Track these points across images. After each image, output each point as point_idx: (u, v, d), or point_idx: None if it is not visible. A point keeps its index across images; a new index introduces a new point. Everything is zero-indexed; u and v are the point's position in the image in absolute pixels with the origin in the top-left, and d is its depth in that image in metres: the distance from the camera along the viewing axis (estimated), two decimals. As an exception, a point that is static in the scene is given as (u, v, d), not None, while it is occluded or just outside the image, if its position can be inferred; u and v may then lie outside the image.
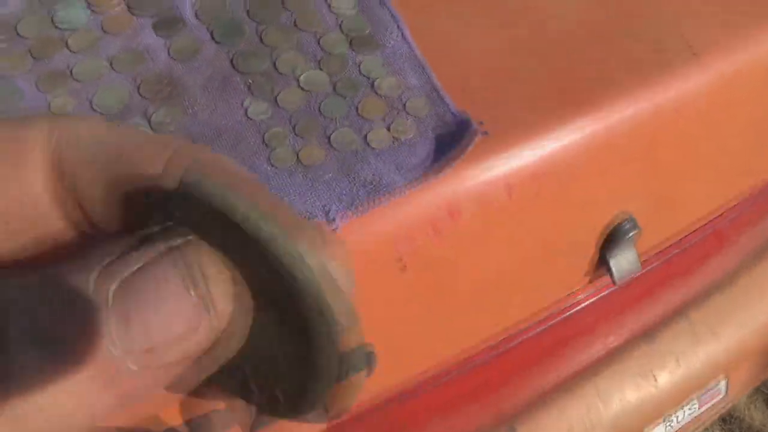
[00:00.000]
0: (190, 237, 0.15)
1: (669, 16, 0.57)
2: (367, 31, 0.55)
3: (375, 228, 0.45)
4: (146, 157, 0.16)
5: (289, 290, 0.15)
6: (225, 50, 0.53)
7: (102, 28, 0.55)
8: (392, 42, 0.54)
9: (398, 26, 0.55)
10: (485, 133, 0.46)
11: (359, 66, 0.53)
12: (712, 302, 0.78)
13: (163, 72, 0.52)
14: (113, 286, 0.13)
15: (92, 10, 0.56)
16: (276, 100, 0.50)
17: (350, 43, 0.54)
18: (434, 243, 0.47)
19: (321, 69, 0.52)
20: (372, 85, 0.51)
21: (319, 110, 0.50)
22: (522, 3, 0.57)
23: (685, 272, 0.77)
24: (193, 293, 0.14)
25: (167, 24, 0.55)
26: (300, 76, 0.52)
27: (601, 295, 0.68)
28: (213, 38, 0.54)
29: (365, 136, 0.48)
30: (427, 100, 0.50)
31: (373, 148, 0.47)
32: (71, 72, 0.52)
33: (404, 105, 0.50)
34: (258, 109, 0.49)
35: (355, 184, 0.45)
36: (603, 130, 0.53)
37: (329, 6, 0.57)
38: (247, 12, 0.56)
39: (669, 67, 0.55)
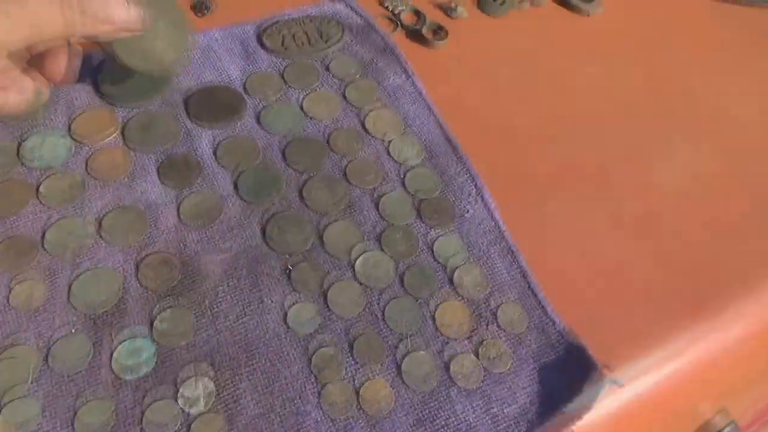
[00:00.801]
0: None
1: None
2: (439, 192, 0.43)
3: None
4: None
5: None
6: (254, 212, 0.40)
7: (87, 169, 0.41)
8: (471, 210, 0.42)
9: (477, 187, 0.43)
10: (618, 383, 0.35)
11: (432, 246, 0.40)
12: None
13: (171, 246, 0.38)
14: None
15: (75, 141, 0.42)
16: (325, 299, 0.37)
17: (418, 209, 0.42)
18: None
19: (383, 249, 0.40)
20: (451, 280, 0.39)
21: (384, 318, 0.37)
22: (634, 191, 0.45)
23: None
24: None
25: (178, 168, 0.42)
26: (356, 260, 0.39)
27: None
28: (238, 192, 0.41)
29: (447, 366, 0.36)
30: (522, 304, 0.38)
31: (459, 387, 0.35)
32: (43, 239, 0.38)
33: (495, 314, 0.38)
34: (301, 313, 0.37)
35: (439, 449, 0.33)
36: (727, 337, 0.42)
37: (388, 150, 0.45)
38: (283, 153, 0.43)
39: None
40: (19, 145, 0.41)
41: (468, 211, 0.42)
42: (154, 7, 0.35)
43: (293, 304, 0.37)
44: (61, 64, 0.35)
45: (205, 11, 0.51)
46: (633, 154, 0.47)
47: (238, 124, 0.44)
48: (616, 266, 0.41)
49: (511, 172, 0.45)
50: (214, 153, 0.43)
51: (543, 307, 0.38)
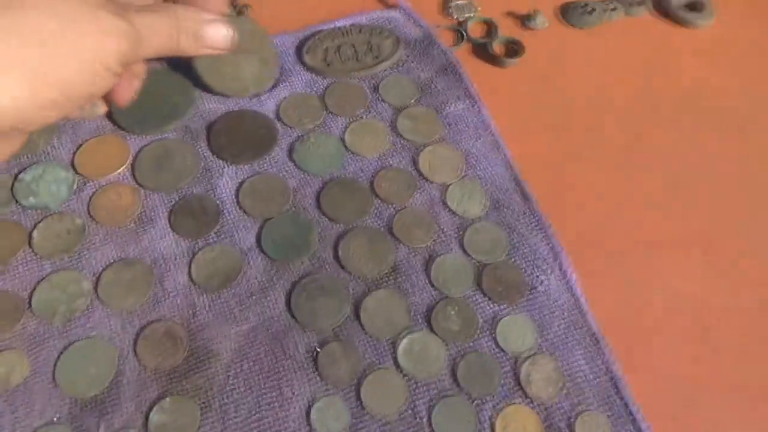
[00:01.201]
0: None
1: None
2: (505, 255, 0.35)
3: None
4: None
5: None
6: (279, 272, 0.33)
7: (89, 211, 0.35)
8: (545, 281, 0.34)
9: (553, 251, 0.35)
10: None
11: (495, 327, 0.32)
12: None
13: (178, 312, 0.32)
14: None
15: (79, 175, 0.36)
16: (358, 393, 0.30)
17: (479, 276, 0.34)
18: None
19: (432, 329, 0.32)
20: (517, 375, 0.31)
21: (430, 422, 0.30)
22: (760, 272, 0.36)
23: None
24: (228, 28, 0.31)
25: (193, 212, 0.35)
26: (399, 342, 0.32)
27: None
28: (261, 246, 0.34)
29: (509, 496, 0.28)
30: (608, 414, 0.30)
31: None
32: (31, 297, 0.32)
33: (571, 425, 0.30)
34: (328, 410, 0.30)
35: None
36: None
37: (444, 198, 0.37)
38: (317, 198, 0.36)
39: None
40: (15, 178, 0.36)
41: (541, 282, 0.34)
42: (244, 35, 0.35)
43: (319, 397, 0.30)
44: (130, 85, 0.31)
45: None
46: (761, 220, 0.38)
47: (267, 158, 0.38)
48: (730, 368, 0.33)
49: (597, 232, 0.36)
50: (236, 195, 0.36)
51: (635, 420, 0.30)
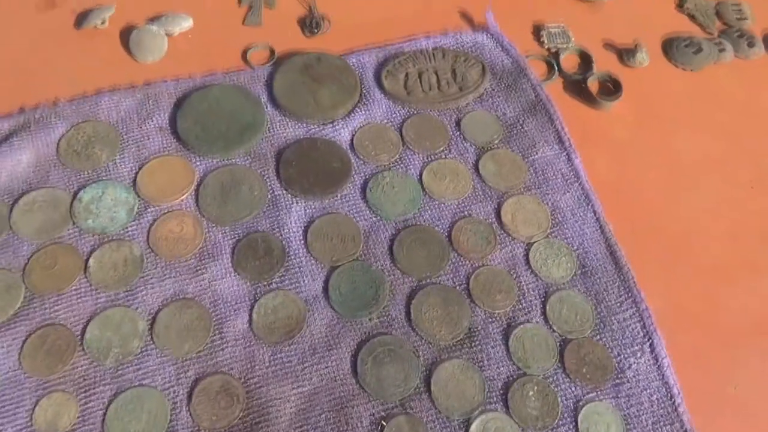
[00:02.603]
0: None
1: None
2: (591, 331, 0.31)
3: None
4: None
5: None
6: (345, 329, 0.31)
7: (148, 240, 0.33)
8: (635, 364, 0.31)
9: (646, 330, 0.31)
10: None
11: (576, 413, 0.29)
12: None
13: (236, 364, 0.30)
14: None
15: (140, 198, 0.34)
16: (425, 477, 0.28)
17: (562, 353, 0.31)
18: None
19: (508, 410, 0.29)
20: (598, 473, 0.28)
21: None
22: None
23: None
24: None
25: (257, 251, 0.33)
26: (473, 422, 0.29)
27: None
28: (328, 296, 0.32)
29: None
30: None
31: None
32: (83, 333, 0.30)
33: None
34: (392, 495, 0.28)
35: None
36: None
37: (527, 257, 0.34)
38: (390, 246, 0.33)
39: None
40: (75, 195, 0.34)
41: (630, 366, 0.31)
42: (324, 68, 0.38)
43: (382, 476, 0.28)
44: None
45: (315, 30, 0.41)
46: None
47: (338, 195, 0.35)
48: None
49: (699, 312, 0.33)
50: (304, 236, 0.33)
51: None
